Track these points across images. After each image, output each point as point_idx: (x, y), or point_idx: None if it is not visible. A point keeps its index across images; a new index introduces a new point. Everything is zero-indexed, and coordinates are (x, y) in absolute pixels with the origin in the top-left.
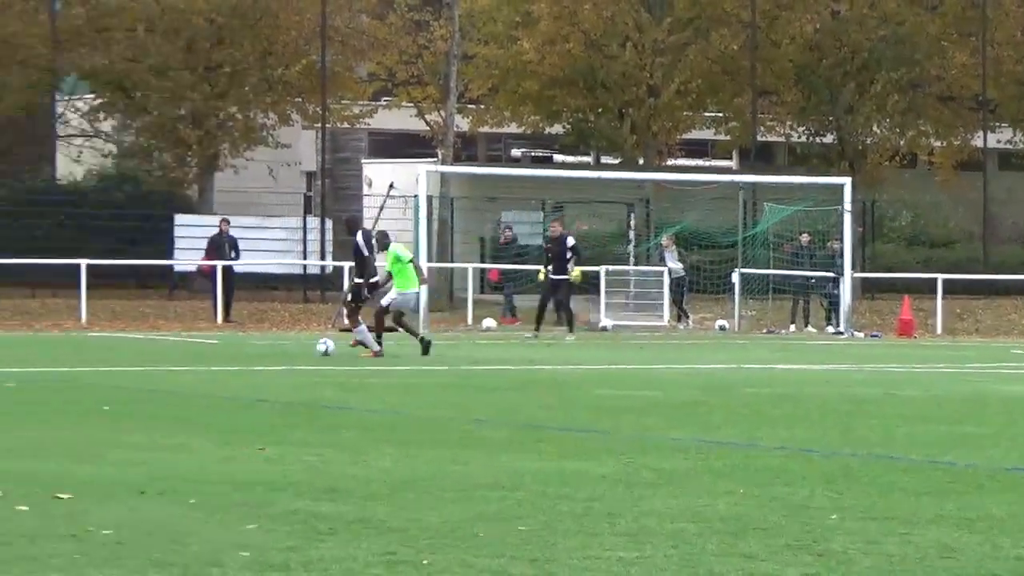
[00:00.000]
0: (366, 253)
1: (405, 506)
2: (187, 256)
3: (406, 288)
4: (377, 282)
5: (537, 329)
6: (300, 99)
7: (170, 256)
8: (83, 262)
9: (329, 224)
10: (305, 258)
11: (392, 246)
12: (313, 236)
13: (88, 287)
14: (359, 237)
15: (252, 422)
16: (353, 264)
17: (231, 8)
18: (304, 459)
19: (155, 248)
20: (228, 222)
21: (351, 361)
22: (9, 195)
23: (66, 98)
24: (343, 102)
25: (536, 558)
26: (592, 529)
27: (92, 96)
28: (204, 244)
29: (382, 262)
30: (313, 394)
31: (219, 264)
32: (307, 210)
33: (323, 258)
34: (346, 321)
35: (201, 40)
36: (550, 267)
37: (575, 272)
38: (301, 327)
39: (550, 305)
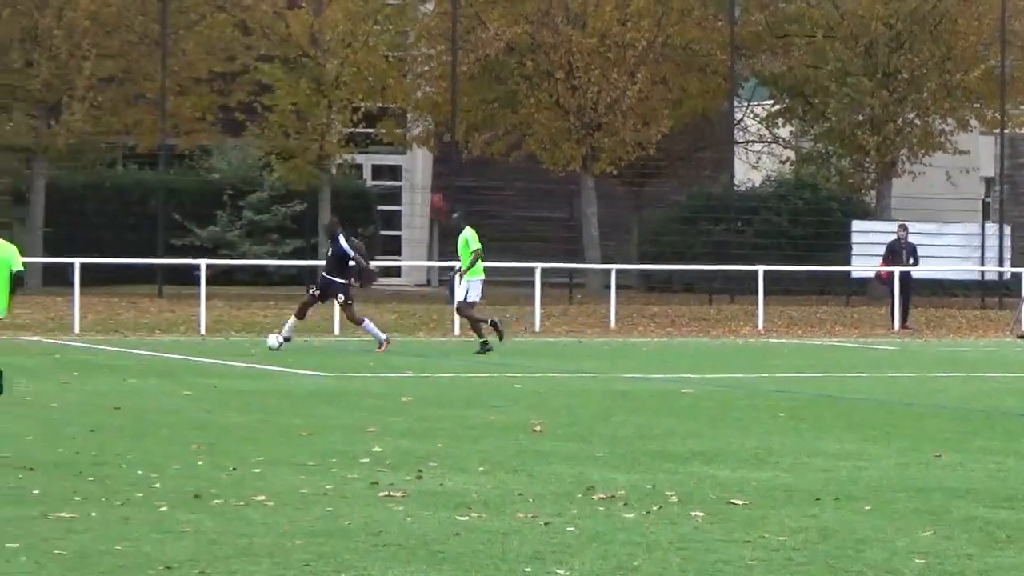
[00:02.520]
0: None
1: None
2: (865, 262)
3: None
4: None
5: None
6: (978, 104)
7: (848, 262)
8: (760, 268)
9: (1008, 230)
10: (983, 264)
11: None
12: (991, 243)
13: (766, 293)
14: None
15: (929, 429)
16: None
17: (910, 13)
18: (983, 466)
19: (833, 255)
20: (906, 228)
21: None
22: (688, 201)
23: (745, 104)
24: (1022, 107)
25: None
26: None
27: (771, 102)
28: (882, 250)
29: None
30: (992, 401)
31: (897, 270)
32: (985, 216)
33: (1000, 264)
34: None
35: (880, 46)
36: None
37: None
38: (978, 334)
39: None
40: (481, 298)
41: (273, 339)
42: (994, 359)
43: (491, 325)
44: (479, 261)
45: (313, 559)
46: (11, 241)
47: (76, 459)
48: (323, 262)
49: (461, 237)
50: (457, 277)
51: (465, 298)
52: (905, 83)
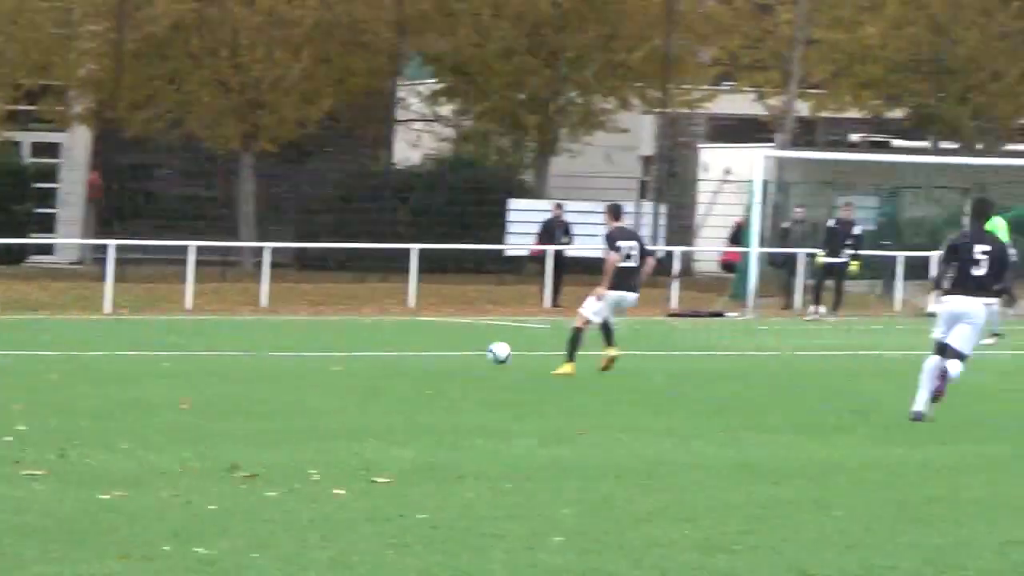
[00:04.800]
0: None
1: None
2: (520, 241)
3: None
4: None
5: (816, 304)
6: (641, 84)
7: (503, 241)
8: (415, 247)
9: (663, 209)
10: None
11: None
12: (646, 221)
13: (421, 272)
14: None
15: (574, 406)
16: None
17: None
18: (626, 444)
19: (489, 233)
20: (561, 207)
21: None
22: (345, 179)
23: (408, 83)
24: (683, 87)
25: None
26: None
27: (434, 81)
28: (537, 228)
29: None
30: (638, 381)
31: (550, 248)
32: (642, 195)
33: (655, 243)
34: None
35: (545, 25)
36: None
37: (853, 265)
38: (631, 311)
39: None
40: None
41: None
42: (640, 336)
43: None
44: None
45: None
46: None
47: None
48: None
49: None
50: None
51: None
52: (569, 62)
